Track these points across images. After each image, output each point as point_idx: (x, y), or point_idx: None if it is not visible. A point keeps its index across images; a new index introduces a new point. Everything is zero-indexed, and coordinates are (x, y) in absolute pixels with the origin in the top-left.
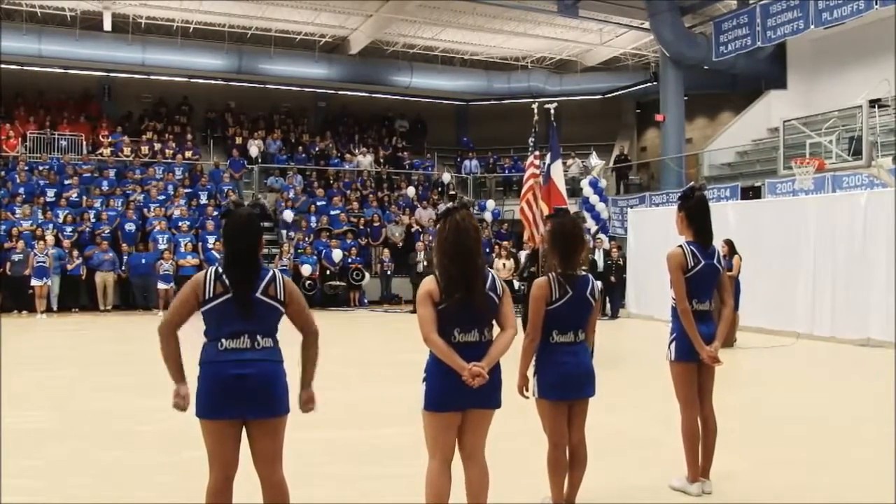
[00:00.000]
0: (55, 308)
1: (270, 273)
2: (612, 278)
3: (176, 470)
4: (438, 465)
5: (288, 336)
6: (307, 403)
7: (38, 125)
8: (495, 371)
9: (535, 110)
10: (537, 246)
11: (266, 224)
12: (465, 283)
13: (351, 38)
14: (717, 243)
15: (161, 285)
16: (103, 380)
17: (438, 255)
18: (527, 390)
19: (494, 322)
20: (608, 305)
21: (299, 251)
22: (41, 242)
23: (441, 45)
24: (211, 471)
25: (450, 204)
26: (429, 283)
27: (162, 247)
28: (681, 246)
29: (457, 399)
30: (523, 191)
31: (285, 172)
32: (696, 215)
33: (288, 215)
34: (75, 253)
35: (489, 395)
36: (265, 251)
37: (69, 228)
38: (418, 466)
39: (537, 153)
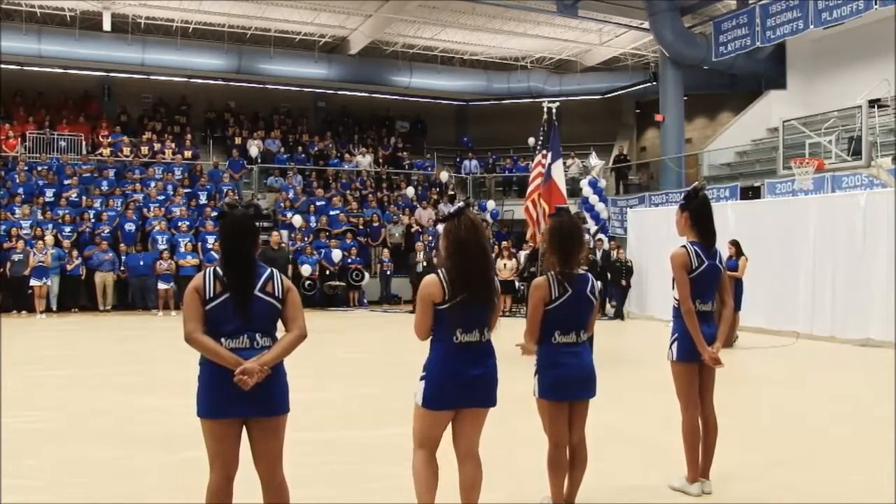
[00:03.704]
0: (54, 308)
1: (269, 271)
2: (624, 281)
3: (176, 470)
4: (425, 455)
5: None
6: (250, 373)
7: (38, 125)
8: (494, 370)
9: (545, 110)
10: (538, 245)
11: (266, 224)
12: (484, 281)
13: (350, 39)
14: (723, 244)
15: (161, 285)
16: (103, 380)
17: (454, 252)
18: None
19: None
20: (607, 306)
21: (299, 252)
22: (40, 242)
23: (441, 45)
24: (211, 471)
25: (460, 203)
26: (432, 286)
27: (162, 247)
28: (684, 246)
29: (457, 398)
30: (529, 189)
31: (285, 172)
32: (699, 216)
33: (297, 220)
34: (75, 253)
35: (487, 395)
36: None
37: (68, 228)
38: None
39: (544, 152)
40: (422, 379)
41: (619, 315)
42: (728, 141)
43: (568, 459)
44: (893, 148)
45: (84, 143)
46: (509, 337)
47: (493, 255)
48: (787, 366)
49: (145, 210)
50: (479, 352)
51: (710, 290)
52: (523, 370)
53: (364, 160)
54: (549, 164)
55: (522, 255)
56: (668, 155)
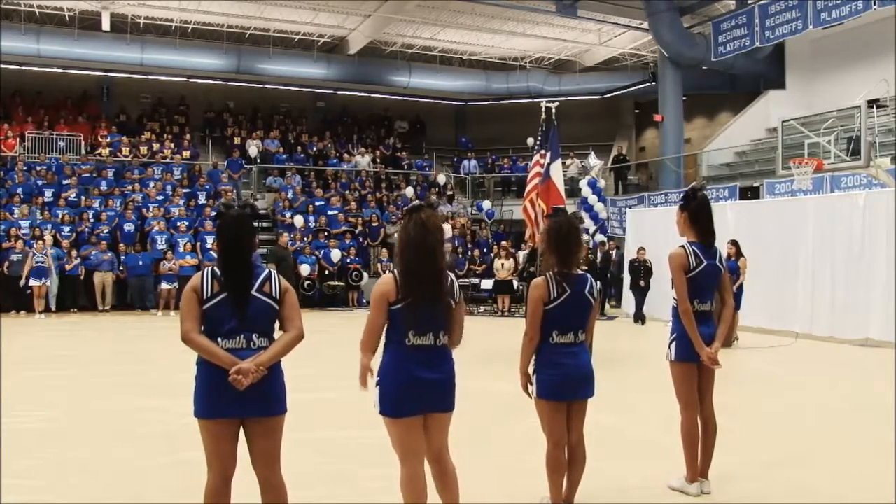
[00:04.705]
0: (53, 308)
1: (266, 271)
2: (642, 282)
3: (176, 470)
4: (411, 471)
5: None
6: (245, 373)
7: (37, 125)
8: (452, 374)
9: (543, 110)
10: (536, 245)
11: (264, 224)
12: (431, 282)
13: (349, 38)
14: (722, 244)
15: (164, 285)
16: (103, 380)
17: (401, 252)
18: (531, 384)
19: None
20: (606, 306)
21: (298, 252)
22: (39, 242)
23: (440, 45)
24: (209, 471)
25: (415, 202)
26: (386, 284)
27: (161, 247)
28: (683, 246)
29: (414, 404)
30: (527, 189)
31: (284, 172)
32: (699, 216)
33: (298, 220)
34: (74, 253)
35: (444, 399)
36: (262, 251)
37: (67, 228)
38: None
39: (542, 152)
40: (377, 385)
41: (639, 318)
42: (727, 141)
43: (566, 459)
44: (892, 148)
45: (83, 142)
46: (510, 336)
47: (493, 255)
48: (786, 366)
49: (144, 210)
50: (434, 356)
51: (710, 289)
52: (518, 369)
53: (363, 160)
54: (548, 164)
55: (521, 254)
56: (667, 155)
